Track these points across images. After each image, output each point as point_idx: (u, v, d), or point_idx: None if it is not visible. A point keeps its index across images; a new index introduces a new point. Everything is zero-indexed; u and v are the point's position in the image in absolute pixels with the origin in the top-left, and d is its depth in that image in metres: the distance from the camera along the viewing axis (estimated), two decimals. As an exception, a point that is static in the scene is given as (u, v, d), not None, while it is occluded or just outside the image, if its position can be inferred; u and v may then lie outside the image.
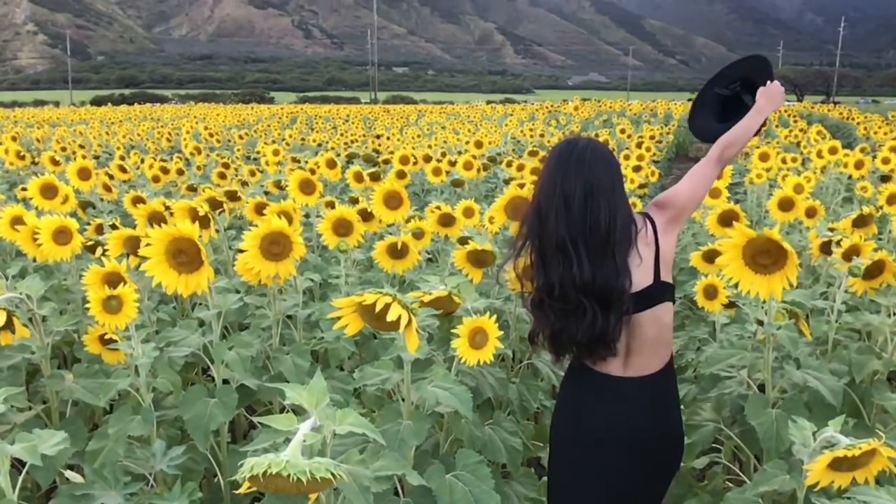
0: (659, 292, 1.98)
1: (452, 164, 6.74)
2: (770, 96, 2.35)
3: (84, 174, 4.74)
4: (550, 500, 2.23)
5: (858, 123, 18.14)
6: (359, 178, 5.35)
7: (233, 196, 4.64)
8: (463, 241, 3.01)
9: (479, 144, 9.43)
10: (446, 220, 3.54)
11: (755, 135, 2.44)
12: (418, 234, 3.42)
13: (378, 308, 1.69)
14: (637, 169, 7.15)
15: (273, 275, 2.54)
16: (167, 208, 3.29)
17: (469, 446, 2.10)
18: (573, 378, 2.11)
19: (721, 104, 2.47)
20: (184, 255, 2.23)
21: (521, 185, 3.35)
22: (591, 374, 2.02)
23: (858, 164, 6.61)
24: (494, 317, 2.12)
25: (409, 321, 1.75)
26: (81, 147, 11.57)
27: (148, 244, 2.22)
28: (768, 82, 2.38)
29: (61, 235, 3.01)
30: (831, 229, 3.43)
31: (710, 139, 2.32)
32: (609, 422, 2.03)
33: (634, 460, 2.03)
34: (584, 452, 2.07)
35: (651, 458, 2.06)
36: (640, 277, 1.96)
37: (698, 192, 2.15)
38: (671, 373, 2.09)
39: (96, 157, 10.43)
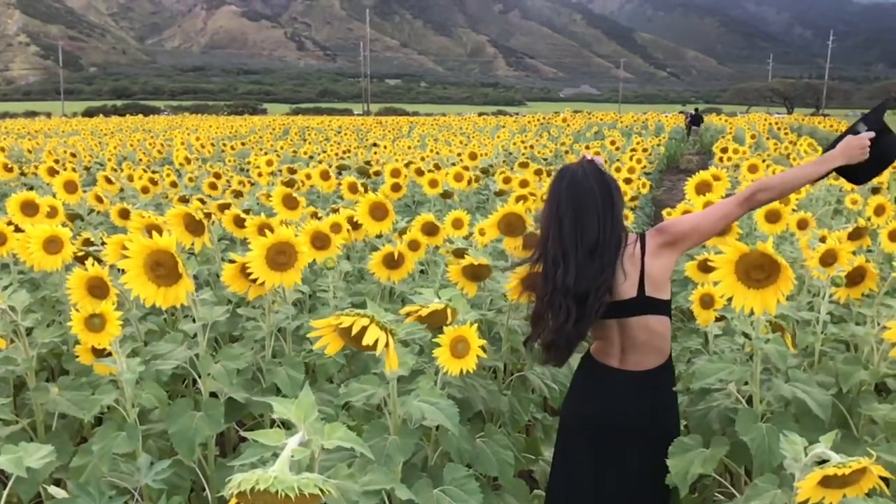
0: (642, 305, 2.16)
1: (447, 175, 6.74)
2: (846, 146, 2.24)
3: (70, 187, 4.72)
4: (551, 482, 2.41)
5: (848, 136, 18.20)
6: (353, 188, 5.33)
7: (225, 208, 4.63)
8: (459, 253, 3.00)
9: (473, 156, 9.42)
10: (430, 229, 3.55)
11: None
12: (414, 245, 3.43)
13: (354, 331, 1.68)
14: (628, 181, 7.19)
15: (277, 285, 2.52)
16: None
17: (457, 460, 2.09)
18: (582, 367, 2.37)
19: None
20: (162, 268, 2.20)
21: (518, 199, 3.36)
22: (595, 363, 2.29)
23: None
24: (476, 325, 2.10)
25: (388, 342, 1.73)
26: (73, 156, 11.52)
27: (127, 257, 2.19)
28: (864, 131, 2.27)
29: (52, 245, 2.98)
30: (822, 239, 3.43)
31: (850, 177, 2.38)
32: (604, 404, 2.26)
33: (627, 446, 2.22)
34: (584, 434, 2.29)
35: (646, 449, 2.19)
36: (624, 290, 2.16)
37: (705, 225, 2.21)
38: (668, 372, 2.27)
39: (87, 169, 10.38)
